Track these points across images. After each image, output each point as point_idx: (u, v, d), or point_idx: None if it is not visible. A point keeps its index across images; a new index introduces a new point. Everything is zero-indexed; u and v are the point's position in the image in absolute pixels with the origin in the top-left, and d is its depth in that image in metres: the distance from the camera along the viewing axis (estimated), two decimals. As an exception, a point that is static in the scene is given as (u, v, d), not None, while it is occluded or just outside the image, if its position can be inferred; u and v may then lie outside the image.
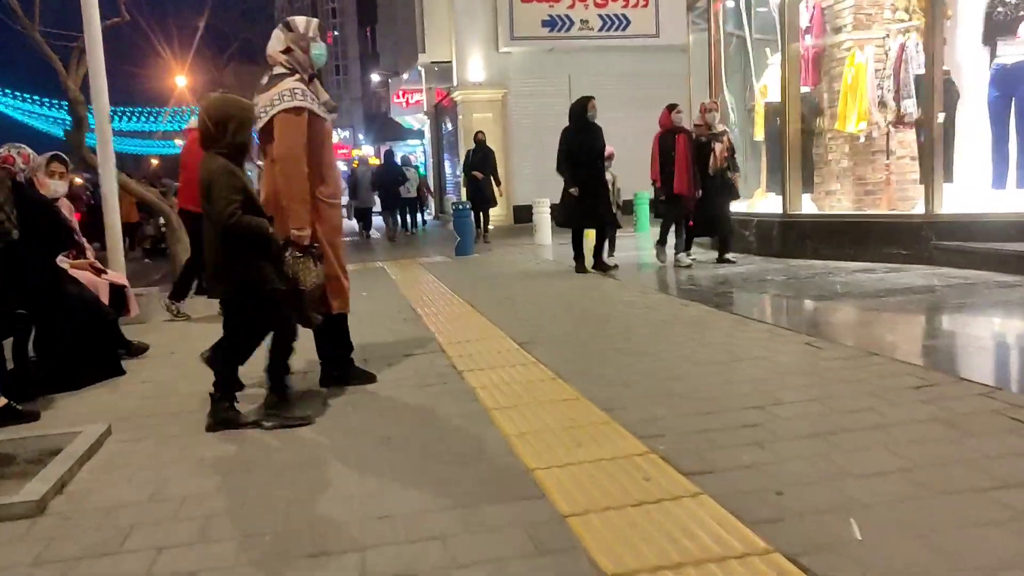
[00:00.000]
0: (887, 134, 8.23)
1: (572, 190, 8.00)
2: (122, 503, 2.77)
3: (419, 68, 21.72)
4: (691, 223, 8.31)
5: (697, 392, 3.61)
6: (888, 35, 8.13)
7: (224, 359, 3.68)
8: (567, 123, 8.22)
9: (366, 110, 50.30)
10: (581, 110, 8.12)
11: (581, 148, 8.01)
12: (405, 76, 25.38)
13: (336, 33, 60.82)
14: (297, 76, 3.87)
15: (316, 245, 3.80)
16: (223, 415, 3.59)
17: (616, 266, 8.38)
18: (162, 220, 15.10)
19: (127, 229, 17.71)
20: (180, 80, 36.77)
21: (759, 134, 10.16)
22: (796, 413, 3.20)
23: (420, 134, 29.64)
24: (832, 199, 8.85)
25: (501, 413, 3.48)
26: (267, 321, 3.63)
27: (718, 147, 8.05)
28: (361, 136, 50.98)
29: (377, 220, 18.57)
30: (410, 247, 14.43)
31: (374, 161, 26.63)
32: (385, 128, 39.53)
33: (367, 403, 3.84)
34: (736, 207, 10.28)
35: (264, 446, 3.29)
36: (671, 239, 8.52)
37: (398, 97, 25.64)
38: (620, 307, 6.08)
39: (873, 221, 7.94)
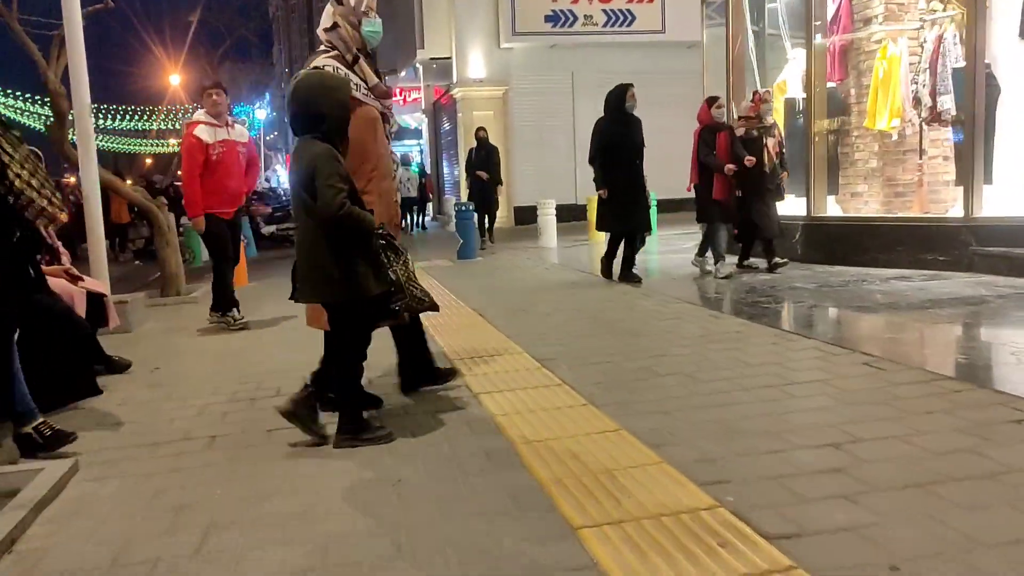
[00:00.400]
0: (920, 132, 7.76)
1: (601, 192, 7.27)
2: (80, 568, 2.28)
3: (417, 65, 21.20)
4: (736, 231, 7.62)
5: (754, 424, 3.13)
6: (923, 26, 7.66)
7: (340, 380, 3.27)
8: (564, 121, 7.61)
9: (363, 109, 49.61)
10: (619, 100, 7.21)
11: (618, 143, 7.16)
12: (402, 74, 24.84)
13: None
14: (333, 54, 3.46)
15: (381, 227, 3.24)
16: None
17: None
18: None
19: (118, 230, 17.29)
20: (174, 79, 36.28)
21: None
22: (882, 454, 2.71)
23: (417, 133, 29.11)
24: (858, 201, 8.39)
25: (530, 449, 2.99)
26: (356, 328, 3.24)
27: (771, 141, 7.44)
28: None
29: None
30: (410, 249, 13.90)
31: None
32: (382, 127, 38.92)
33: (373, 434, 3.35)
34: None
35: (252, 491, 2.79)
36: (719, 246, 7.58)
37: (395, 95, 25.12)
38: (645, 319, 5.60)
39: (907, 225, 7.47)
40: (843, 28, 8.40)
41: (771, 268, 7.51)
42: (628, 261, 7.42)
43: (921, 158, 7.83)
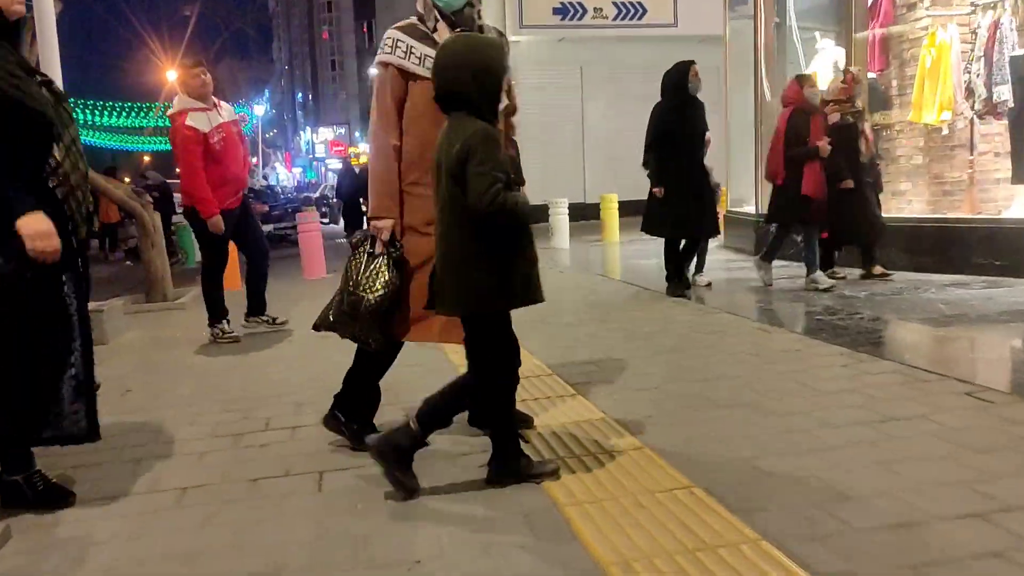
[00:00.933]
0: (971, 126, 7.13)
1: (656, 190, 6.26)
2: None
3: (420, 60, 20.61)
4: (824, 233, 6.45)
5: (861, 479, 2.49)
6: (975, 11, 7.02)
7: (488, 407, 2.66)
8: (572, 117, 6.64)
9: (362, 106, 49.26)
10: (680, 79, 6.13)
11: (679, 131, 6.11)
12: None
13: (331, 27, 59.67)
14: (404, 23, 2.95)
15: (398, 244, 2.92)
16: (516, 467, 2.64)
17: (709, 284, 6.59)
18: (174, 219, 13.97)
19: (108, 229, 16.66)
20: (171, 74, 35.67)
21: (807, 127, 9.05)
22: (1049, 531, 2.09)
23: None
24: (901, 200, 7.76)
25: (580, 513, 2.37)
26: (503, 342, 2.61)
27: (867, 127, 6.66)
28: (358, 133, 49.91)
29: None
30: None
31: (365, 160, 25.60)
32: (382, 124, 38.29)
33: (379, 489, 2.71)
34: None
35: (227, 569, 2.17)
36: (777, 251, 6.51)
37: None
38: (684, 332, 4.96)
39: (959, 227, 6.84)
40: (884, 15, 7.78)
41: (870, 276, 6.55)
42: (680, 269, 6.39)
43: (972, 154, 7.20)
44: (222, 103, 5.54)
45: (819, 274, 6.25)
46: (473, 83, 2.42)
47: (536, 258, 2.55)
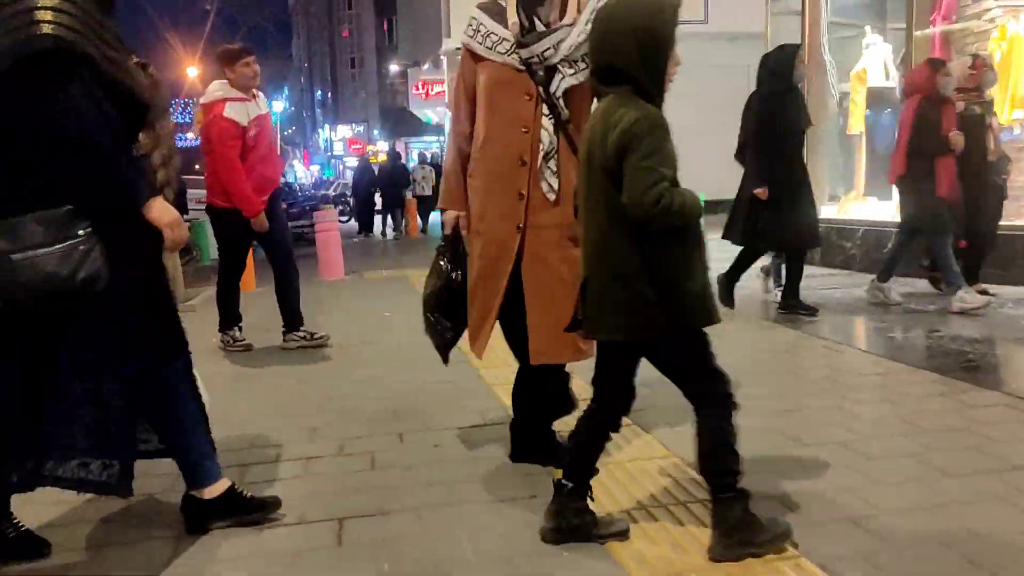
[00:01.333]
0: (1041, 126, 6.60)
1: (759, 191, 5.15)
2: None
3: (441, 56, 20.21)
4: (963, 242, 5.43)
5: (1005, 551, 2.01)
6: (1050, 0, 6.50)
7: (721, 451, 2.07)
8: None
9: (382, 104, 49.02)
10: (787, 66, 5.15)
11: (781, 125, 5.14)
12: (425, 66, 23.95)
13: (351, 25, 59.50)
14: None
15: (457, 238, 2.78)
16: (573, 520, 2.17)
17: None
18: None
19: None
20: (191, 71, 35.47)
21: (856, 127, 8.54)
22: None
23: (438, 130, 28.13)
24: (962, 206, 7.20)
25: (662, 591, 1.89)
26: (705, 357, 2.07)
27: (995, 121, 5.87)
28: (376, 131, 49.64)
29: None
30: (431, 251, 12.86)
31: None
32: (401, 123, 38.09)
33: (405, 542, 2.25)
34: (828, 213, 8.72)
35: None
36: (953, 262, 5.29)
37: (417, 88, 24.21)
38: (743, 349, 4.43)
39: (1029, 235, 6.29)
40: (946, 7, 7.24)
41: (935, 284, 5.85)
42: (794, 286, 5.35)
43: (1042, 157, 6.65)
44: (259, 93, 5.02)
45: (965, 291, 5.25)
46: (637, 54, 1.96)
47: (706, 264, 2.05)
